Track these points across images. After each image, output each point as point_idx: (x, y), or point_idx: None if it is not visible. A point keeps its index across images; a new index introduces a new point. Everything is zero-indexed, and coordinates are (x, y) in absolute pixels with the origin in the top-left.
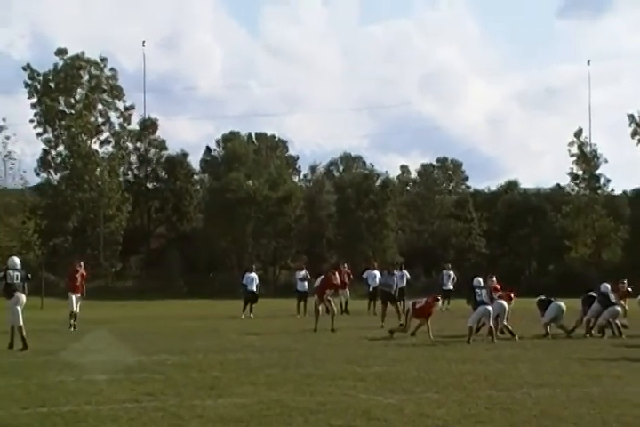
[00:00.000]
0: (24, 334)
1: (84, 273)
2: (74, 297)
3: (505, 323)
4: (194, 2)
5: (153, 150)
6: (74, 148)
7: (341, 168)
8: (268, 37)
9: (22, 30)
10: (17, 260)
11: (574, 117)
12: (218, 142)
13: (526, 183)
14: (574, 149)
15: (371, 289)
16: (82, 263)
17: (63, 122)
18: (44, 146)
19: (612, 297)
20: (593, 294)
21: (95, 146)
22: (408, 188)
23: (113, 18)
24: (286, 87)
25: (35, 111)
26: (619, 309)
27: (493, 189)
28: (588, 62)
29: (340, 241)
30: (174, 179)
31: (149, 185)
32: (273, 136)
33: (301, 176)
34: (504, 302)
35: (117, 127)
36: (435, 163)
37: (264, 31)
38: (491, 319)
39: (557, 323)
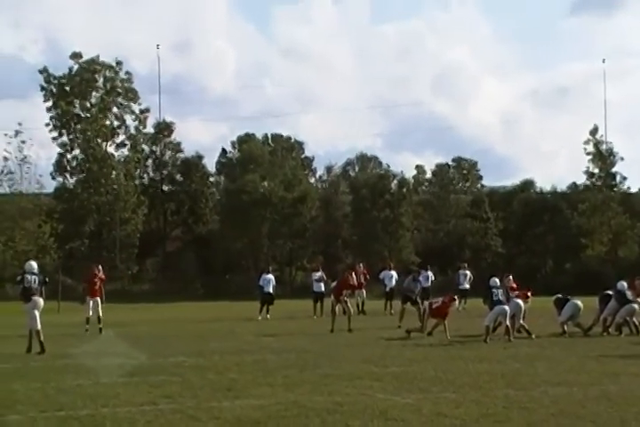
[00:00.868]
0: (42, 337)
1: (103, 277)
2: (91, 302)
3: (521, 322)
4: (205, 4)
5: (168, 153)
6: (89, 151)
7: (357, 168)
8: (280, 38)
9: (34, 34)
10: (34, 264)
11: (588, 116)
12: (233, 144)
13: (542, 182)
14: (590, 148)
15: (387, 289)
16: (100, 267)
17: (79, 125)
18: (59, 150)
19: (629, 295)
20: (610, 292)
21: (111, 149)
22: (423, 187)
23: (124, 21)
24: (299, 87)
25: (50, 115)
26: (636, 306)
27: (509, 188)
28: (604, 60)
29: (356, 241)
30: (190, 181)
31: (165, 188)
32: (289, 137)
33: (317, 177)
34: (520, 302)
35: (133, 130)
36: (450, 162)
37: (276, 32)
38: (507, 319)
39: (574, 321)
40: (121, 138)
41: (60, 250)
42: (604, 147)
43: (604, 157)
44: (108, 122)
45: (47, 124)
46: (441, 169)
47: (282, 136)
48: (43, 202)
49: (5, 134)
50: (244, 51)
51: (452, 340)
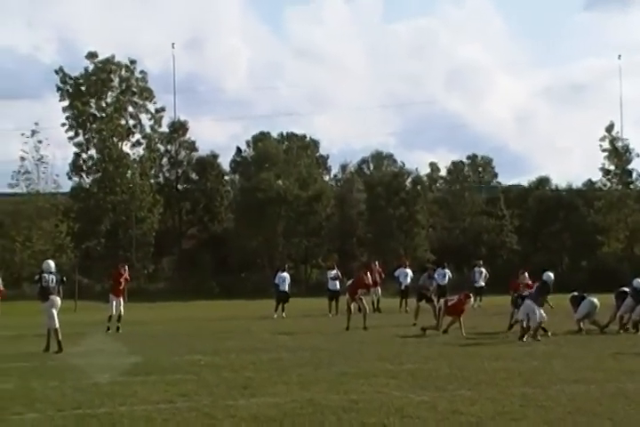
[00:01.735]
0: (60, 336)
1: (128, 278)
2: (114, 301)
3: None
4: (217, 4)
5: (183, 152)
6: (105, 151)
7: (372, 166)
8: (292, 37)
9: (48, 34)
10: (52, 263)
11: (603, 112)
12: (248, 143)
13: (557, 179)
14: (606, 144)
15: (402, 287)
16: (126, 267)
17: (94, 125)
18: (75, 149)
19: None
20: (626, 289)
21: (126, 148)
22: (438, 185)
23: (135, 20)
24: (312, 87)
25: (66, 115)
26: None
27: (525, 185)
28: (619, 57)
29: (371, 239)
30: (205, 180)
31: (180, 187)
32: (303, 136)
33: (331, 175)
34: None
35: (148, 129)
36: (465, 160)
37: (288, 31)
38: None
39: (591, 319)
40: (136, 137)
41: (76, 249)
42: (619, 143)
43: (619, 154)
44: (123, 121)
45: (63, 124)
46: (456, 166)
47: (296, 135)
48: (59, 201)
49: (22, 134)
50: (257, 50)
51: (468, 337)
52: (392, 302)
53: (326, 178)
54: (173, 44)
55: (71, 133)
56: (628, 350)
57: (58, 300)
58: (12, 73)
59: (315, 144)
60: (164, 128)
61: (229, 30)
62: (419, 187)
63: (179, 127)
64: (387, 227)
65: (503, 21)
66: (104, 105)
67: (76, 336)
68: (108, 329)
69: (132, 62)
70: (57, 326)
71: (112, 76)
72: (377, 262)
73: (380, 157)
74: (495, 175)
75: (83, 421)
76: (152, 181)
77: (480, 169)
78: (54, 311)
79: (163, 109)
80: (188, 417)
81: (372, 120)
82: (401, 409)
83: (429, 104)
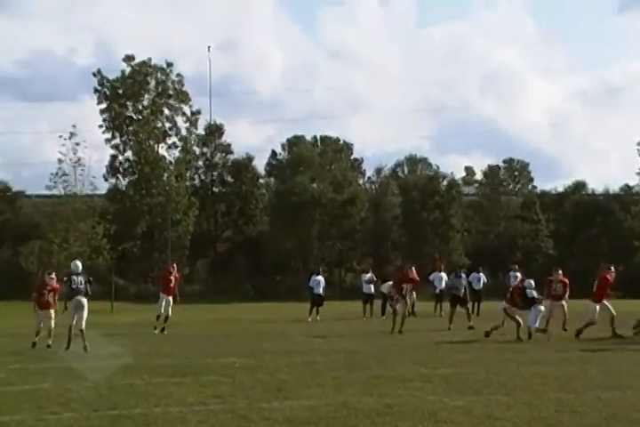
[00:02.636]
0: (71, 335)
1: (178, 276)
2: (164, 300)
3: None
4: (251, 5)
5: (219, 155)
6: (141, 153)
7: (406, 170)
8: (326, 40)
9: (83, 37)
10: (79, 264)
11: (639, 115)
12: (283, 146)
13: (594, 183)
14: None
15: (437, 291)
16: (175, 266)
17: (131, 127)
18: (111, 151)
19: None
20: None
21: (162, 151)
22: (473, 189)
23: (170, 22)
24: (346, 90)
25: (103, 117)
26: None
27: (560, 189)
28: None
29: (405, 243)
30: (240, 182)
31: (215, 189)
32: (337, 139)
33: (366, 178)
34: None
35: (184, 132)
36: (501, 164)
37: (322, 33)
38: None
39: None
40: (172, 140)
41: (112, 251)
42: None
43: None
44: (159, 124)
45: (100, 126)
46: (492, 170)
47: (331, 138)
48: (96, 203)
49: (60, 136)
50: (291, 52)
51: (504, 342)
52: (427, 306)
53: (360, 181)
54: (209, 46)
55: (108, 136)
56: None
57: (84, 300)
58: (48, 76)
59: (349, 147)
60: (200, 131)
61: (263, 32)
62: (453, 190)
63: (214, 130)
64: (421, 231)
65: (536, 25)
66: (140, 107)
67: (112, 337)
68: (155, 329)
69: (169, 65)
70: (83, 326)
71: (148, 78)
72: (412, 266)
73: (414, 161)
74: (531, 179)
75: (117, 421)
76: (187, 183)
77: (516, 173)
78: (84, 313)
79: (198, 112)
80: (223, 419)
81: (405, 123)
82: (435, 414)
83: (463, 108)
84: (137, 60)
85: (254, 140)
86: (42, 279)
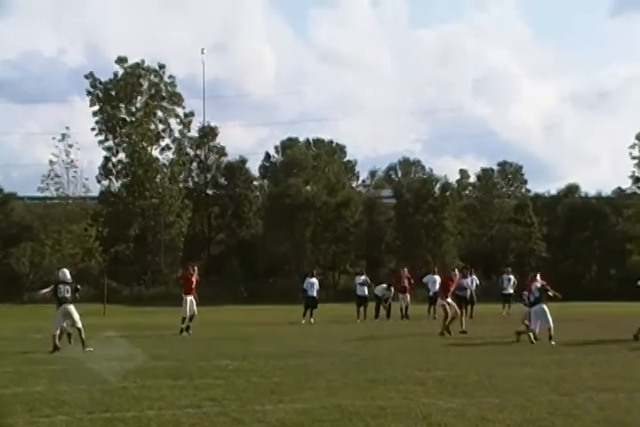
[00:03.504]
0: (57, 341)
1: (197, 278)
2: (188, 300)
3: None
4: (242, 8)
5: (212, 157)
6: (134, 155)
7: (400, 173)
8: (318, 41)
9: (73, 38)
10: (67, 272)
11: (632, 119)
12: (276, 148)
13: (587, 187)
14: (635, 152)
15: (430, 294)
16: (195, 268)
17: (124, 129)
18: (104, 153)
19: None
20: None
21: (155, 153)
22: (467, 192)
23: (161, 23)
24: (338, 92)
25: (96, 119)
26: None
27: (553, 192)
28: None
29: (399, 246)
30: (234, 185)
31: (209, 191)
32: (331, 142)
33: (359, 181)
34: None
35: (177, 134)
36: (494, 167)
37: (315, 35)
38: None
39: None
40: (166, 142)
41: (105, 253)
42: None
43: None
44: (152, 126)
45: (93, 129)
46: (485, 173)
47: (324, 140)
48: (89, 205)
49: (53, 138)
50: (284, 54)
51: (497, 345)
52: (420, 309)
53: (354, 184)
54: (203, 49)
55: (101, 138)
56: None
57: (71, 307)
58: (39, 77)
59: (342, 150)
60: (193, 133)
61: (255, 34)
62: (447, 193)
63: (208, 132)
64: (415, 233)
65: (529, 28)
66: (133, 109)
67: (104, 340)
68: (181, 331)
69: (161, 67)
70: (79, 324)
71: (141, 80)
72: (405, 269)
73: (408, 164)
74: (525, 182)
75: (111, 424)
76: (181, 185)
77: (509, 176)
78: (61, 317)
79: (192, 114)
80: (216, 422)
81: (398, 126)
82: (428, 416)
83: (456, 111)
84: (130, 62)
85: (247, 142)
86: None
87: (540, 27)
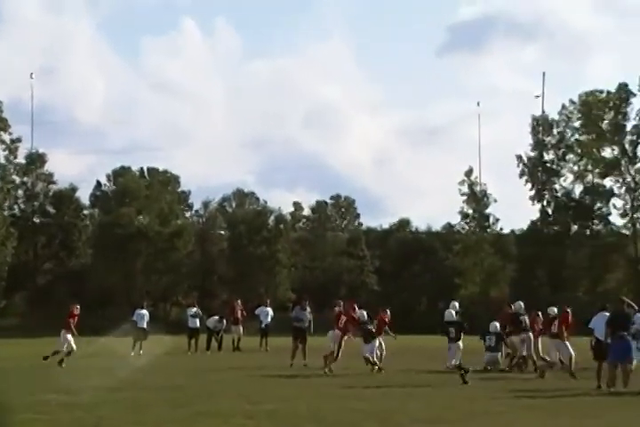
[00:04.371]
0: None
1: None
2: (67, 336)
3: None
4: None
5: (40, 184)
6: None
7: (234, 204)
8: (150, 70)
9: None
10: None
11: (460, 156)
12: (108, 177)
13: (417, 221)
14: (464, 188)
15: (262, 326)
16: (78, 306)
17: None
18: None
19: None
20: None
21: None
22: (301, 224)
23: None
24: (169, 122)
25: None
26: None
27: (385, 227)
28: (478, 104)
29: (232, 277)
30: (62, 213)
31: (36, 220)
32: (165, 171)
33: (193, 211)
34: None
35: (3, 160)
36: (327, 200)
37: (146, 64)
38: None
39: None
40: None
41: None
42: (477, 188)
43: (477, 199)
44: None
45: None
46: (319, 206)
47: (158, 170)
48: None
49: None
50: (113, 81)
51: (329, 377)
52: (252, 341)
53: (188, 214)
54: (32, 73)
55: None
56: (481, 392)
57: None
58: None
59: (176, 180)
60: (21, 159)
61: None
62: (281, 226)
63: (36, 159)
64: (248, 265)
65: (359, 64)
66: None
67: None
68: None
69: None
70: None
71: None
72: (239, 300)
73: (242, 195)
74: (357, 216)
75: None
76: (6, 213)
77: (343, 209)
78: None
79: (19, 140)
80: None
81: (230, 157)
82: None
83: (288, 143)
84: None
85: (75, 170)
86: None
87: (368, 64)
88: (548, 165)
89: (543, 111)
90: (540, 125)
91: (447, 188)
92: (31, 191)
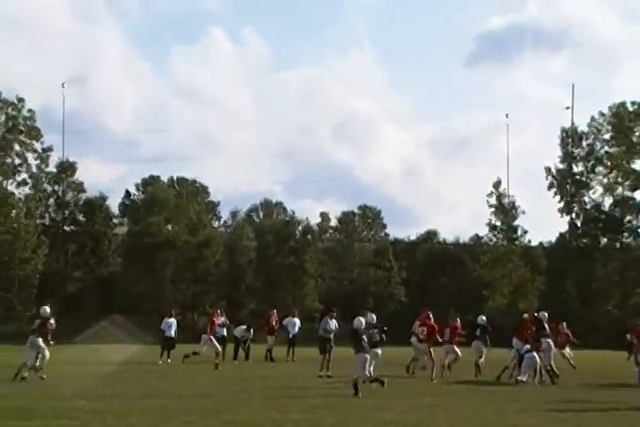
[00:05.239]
0: None
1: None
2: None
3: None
4: (103, 42)
5: (71, 193)
6: None
7: (261, 214)
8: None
9: None
10: None
11: (489, 167)
12: (137, 186)
13: (445, 233)
14: (493, 200)
15: (290, 336)
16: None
17: None
18: None
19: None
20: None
21: (11, 187)
22: (328, 235)
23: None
24: (199, 131)
25: None
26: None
27: (413, 238)
28: (507, 115)
29: (260, 287)
30: (92, 222)
31: (67, 228)
32: (194, 181)
33: (221, 222)
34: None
35: (35, 169)
36: (355, 210)
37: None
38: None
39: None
40: (22, 176)
41: None
42: (506, 200)
43: (506, 210)
44: (9, 159)
45: None
46: (346, 217)
47: (187, 179)
48: None
49: None
50: (144, 90)
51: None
52: (280, 351)
53: (216, 224)
54: (63, 83)
55: None
56: (511, 404)
57: None
58: None
59: (204, 190)
60: (52, 168)
61: (116, 69)
62: (309, 236)
63: (67, 168)
64: (276, 275)
65: (387, 76)
66: None
67: None
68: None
69: (20, 100)
70: None
71: None
72: (274, 310)
73: (270, 205)
74: (384, 227)
75: None
76: (37, 221)
77: (370, 220)
78: None
79: (50, 149)
80: None
81: (259, 167)
82: None
83: (317, 154)
84: None
85: (106, 179)
86: None
87: (397, 75)
88: (578, 177)
89: (572, 123)
90: (570, 137)
91: (475, 199)
92: (62, 200)
